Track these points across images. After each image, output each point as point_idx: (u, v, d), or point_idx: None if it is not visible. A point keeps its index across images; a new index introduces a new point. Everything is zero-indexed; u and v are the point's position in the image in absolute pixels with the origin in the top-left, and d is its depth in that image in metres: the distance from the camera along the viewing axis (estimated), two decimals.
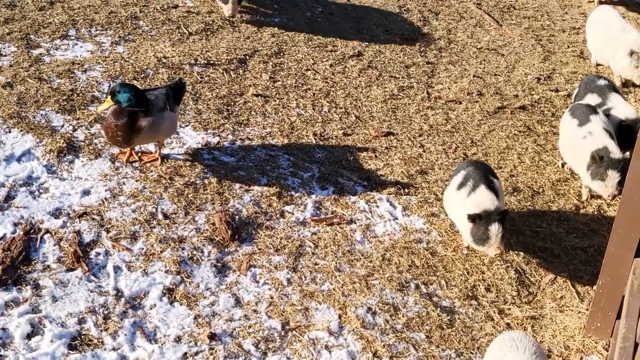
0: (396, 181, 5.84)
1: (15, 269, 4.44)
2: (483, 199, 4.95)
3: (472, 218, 4.89)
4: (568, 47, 8.74)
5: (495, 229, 4.87)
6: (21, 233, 4.68)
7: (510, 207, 5.78)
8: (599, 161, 5.58)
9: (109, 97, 5.09)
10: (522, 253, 5.40)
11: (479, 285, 5.06)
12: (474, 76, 7.75)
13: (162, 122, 5.29)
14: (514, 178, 6.20)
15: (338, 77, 7.32)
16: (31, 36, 6.94)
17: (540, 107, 7.38)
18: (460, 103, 7.24)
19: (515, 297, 5.03)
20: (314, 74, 7.27)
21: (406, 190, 5.78)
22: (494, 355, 3.92)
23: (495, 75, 7.86)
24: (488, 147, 6.57)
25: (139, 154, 5.57)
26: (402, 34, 8.42)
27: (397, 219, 5.50)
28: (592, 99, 6.42)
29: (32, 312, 4.23)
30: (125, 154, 5.49)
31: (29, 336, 4.10)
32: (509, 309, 4.94)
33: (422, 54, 8.07)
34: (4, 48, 6.66)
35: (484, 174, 5.13)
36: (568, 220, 5.86)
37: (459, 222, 5.15)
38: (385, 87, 7.27)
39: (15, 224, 4.75)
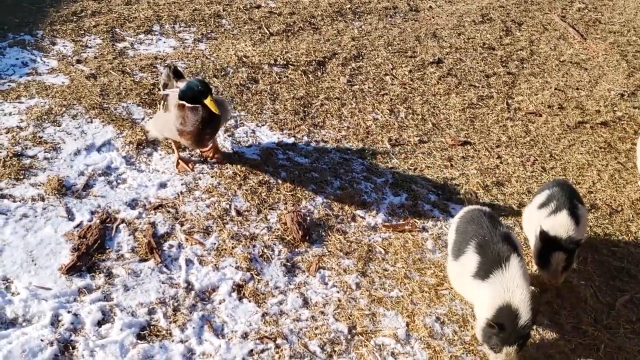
0: (471, 191, 5.76)
1: (90, 257, 4.51)
2: (560, 225, 4.79)
3: (542, 236, 4.76)
4: None
5: (557, 257, 4.72)
6: (97, 221, 4.76)
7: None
8: None
9: (210, 96, 4.85)
10: (597, 272, 5.26)
11: (552, 303, 4.94)
12: (555, 89, 7.60)
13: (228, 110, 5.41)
14: (592, 195, 6.05)
15: (416, 83, 7.26)
16: (116, 30, 7.07)
17: (622, 123, 7.19)
18: (541, 116, 7.10)
19: (589, 317, 4.90)
20: (392, 79, 7.23)
21: (481, 201, 5.69)
22: None
23: (578, 89, 7.69)
24: (567, 161, 6.43)
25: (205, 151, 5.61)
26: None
27: None
28: None
29: (103, 300, 4.28)
30: (209, 150, 5.54)
31: (99, 323, 4.15)
32: (582, 328, 4.81)
33: (504, 64, 7.95)
34: (90, 40, 6.80)
35: (569, 198, 4.96)
36: None
37: (532, 240, 5.03)
38: (464, 96, 7.18)
39: (92, 212, 4.83)
